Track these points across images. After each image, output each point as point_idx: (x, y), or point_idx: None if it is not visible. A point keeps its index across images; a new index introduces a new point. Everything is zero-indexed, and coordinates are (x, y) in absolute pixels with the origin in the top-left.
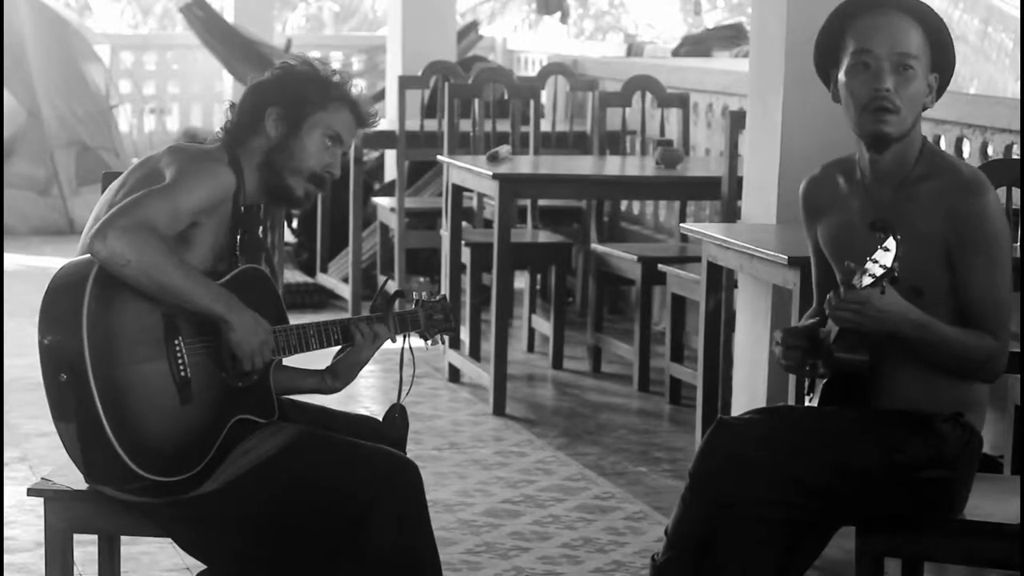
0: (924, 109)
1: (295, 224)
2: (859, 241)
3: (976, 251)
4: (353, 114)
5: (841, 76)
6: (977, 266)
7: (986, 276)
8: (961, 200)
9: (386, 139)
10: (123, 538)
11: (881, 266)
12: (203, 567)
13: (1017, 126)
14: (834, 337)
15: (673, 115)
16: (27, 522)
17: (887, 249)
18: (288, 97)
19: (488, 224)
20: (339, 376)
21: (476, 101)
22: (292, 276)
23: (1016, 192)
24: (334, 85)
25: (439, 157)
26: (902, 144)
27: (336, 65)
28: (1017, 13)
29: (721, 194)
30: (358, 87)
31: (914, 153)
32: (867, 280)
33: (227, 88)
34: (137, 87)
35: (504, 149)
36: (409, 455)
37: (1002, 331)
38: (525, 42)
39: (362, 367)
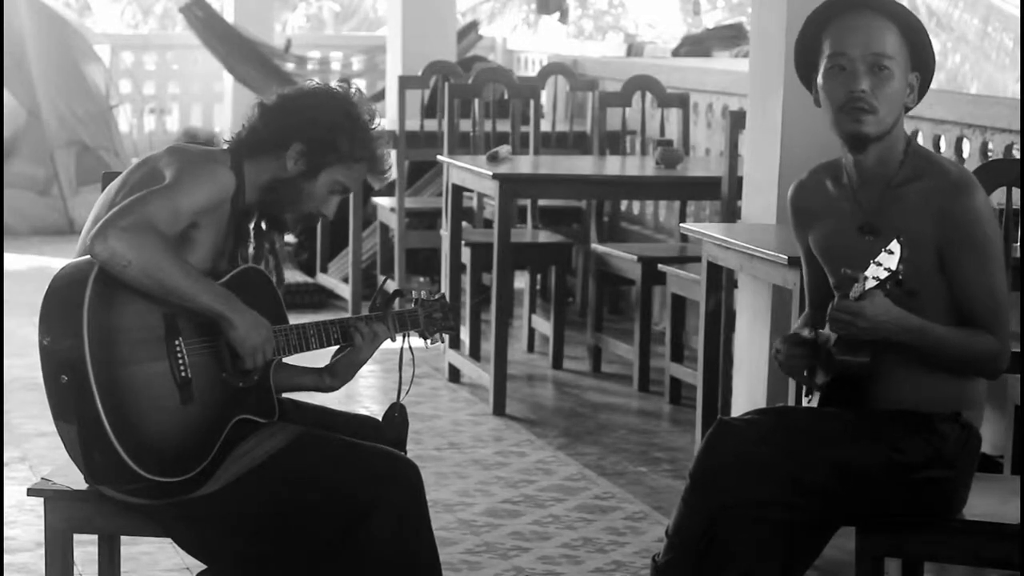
0: (907, 109)
1: None
2: (852, 245)
3: (969, 252)
4: (370, 170)
5: (819, 80)
6: (971, 266)
7: (981, 276)
8: (951, 201)
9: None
10: (123, 538)
11: (886, 269)
12: (203, 567)
13: (1017, 126)
14: (834, 341)
15: (673, 115)
16: (27, 522)
17: (891, 252)
18: (317, 139)
19: (488, 224)
20: (337, 375)
21: (476, 101)
22: (292, 276)
23: (1016, 192)
24: (363, 144)
25: (439, 157)
26: (884, 144)
27: (336, 66)
28: (1017, 13)
29: (721, 194)
30: (386, 141)
31: (898, 153)
32: (871, 283)
33: (227, 88)
34: (137, 87)
35: (504, 149)
36: (409, 455)
37: (1002, 328)
38: (525, 42)
39: (361, 366)
